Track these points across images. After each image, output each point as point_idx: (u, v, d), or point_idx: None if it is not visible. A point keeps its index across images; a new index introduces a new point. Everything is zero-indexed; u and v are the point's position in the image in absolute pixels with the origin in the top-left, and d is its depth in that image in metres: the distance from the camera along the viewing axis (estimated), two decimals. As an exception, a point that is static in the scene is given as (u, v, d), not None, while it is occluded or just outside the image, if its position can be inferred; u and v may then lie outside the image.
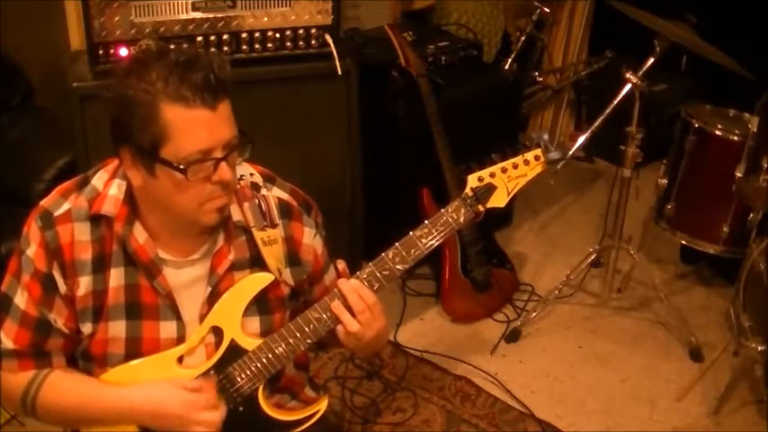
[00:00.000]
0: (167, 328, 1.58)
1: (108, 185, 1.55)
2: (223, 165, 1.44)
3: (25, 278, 1.53)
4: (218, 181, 1.45)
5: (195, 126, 1.40)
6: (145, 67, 1.40)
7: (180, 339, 1.58)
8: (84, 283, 1.53)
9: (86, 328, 1.55)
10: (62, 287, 1.53)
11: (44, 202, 1.56)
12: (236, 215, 1.59)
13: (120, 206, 1.53)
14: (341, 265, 1.69)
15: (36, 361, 1.56)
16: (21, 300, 1.54)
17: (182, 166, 1.41)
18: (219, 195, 1.48)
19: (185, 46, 1.47)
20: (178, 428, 1.55)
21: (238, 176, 1.62)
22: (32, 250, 1.52)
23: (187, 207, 1.48)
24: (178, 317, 1.58)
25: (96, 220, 1.53)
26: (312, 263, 1.68)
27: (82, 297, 1.53)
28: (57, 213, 1.53)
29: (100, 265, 1.53)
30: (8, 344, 1.55)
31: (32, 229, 1.53)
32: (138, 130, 1.41)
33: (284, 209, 1.65)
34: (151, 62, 1.41)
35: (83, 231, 1.53)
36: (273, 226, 1.62)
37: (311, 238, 1.67)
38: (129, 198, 1.54)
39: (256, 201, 1.62)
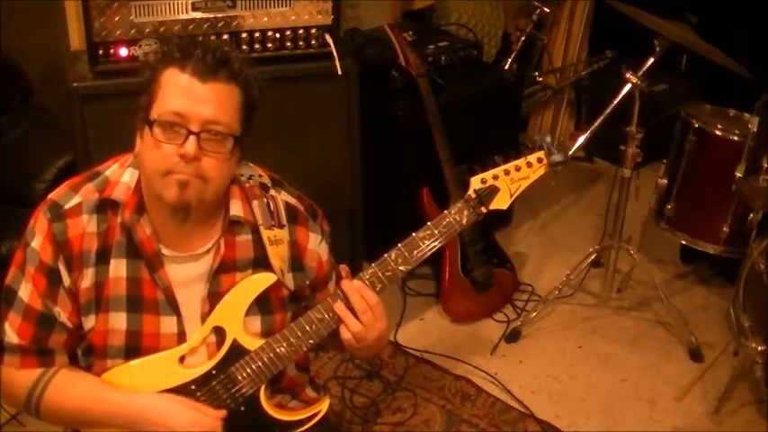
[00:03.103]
0: (167, 324, 1.58)
1: (121, 174, 1.56)
2: (192, 139, 1.44)
3: (30, 270, 1.53)
4: (182, 153, 1.44)
5: (178, 88, 1.44)
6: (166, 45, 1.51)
7: (180, 335, 1.58)
8: (89, 276, 1.54)
9: (89, 321, 1.55)
10: (66, 280, 1.53)
11: (53, 195, 1.56)
12: (234, 210, 1.58)
13: (130, 194, 1.54)
14: (344, 270, 1.69)
15: (39, 359, 1.56)
16: (25, 292, 1.54)
17: (153, 119, 1.45)
18: (182, 171, 1.46)
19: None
20: None
21: (247, 176, 1.63)
22: (38, 242, 1.52)
23: (153, 170, 1.47)
24: (177, 313, 1.58)
25: (103, 210, 1.54)
26: (316, 269, 1.68)
27: (86, 289, 1.54)
28: (67, 206, 1.53)
29: (102, 257, 1.54)
30: (12, 338, 1.55)
31: (40, 221, 1.53)
32: (144, 92, 1.48)
33: (291, 213, 1.65)
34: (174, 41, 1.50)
35: (91, 223, 1.53)
36: (281, 226, 1.62)
37: (316, 244, 1.68)
38: (140, 189, 1.54)
39: (265, 200, 1.62)
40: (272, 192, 1.65)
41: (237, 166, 1.58)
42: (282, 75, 2.62)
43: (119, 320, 1.56)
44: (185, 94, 1.44)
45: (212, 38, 1.52)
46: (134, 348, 1.57)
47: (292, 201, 1.67)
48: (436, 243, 1.59)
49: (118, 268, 1.55)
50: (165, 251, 1.56)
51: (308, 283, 1.68)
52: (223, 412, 1.59)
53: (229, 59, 1.47)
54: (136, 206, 1.53)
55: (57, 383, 1.56)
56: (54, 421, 1.62)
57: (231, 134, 1.48)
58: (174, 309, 1.57)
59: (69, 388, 1.57)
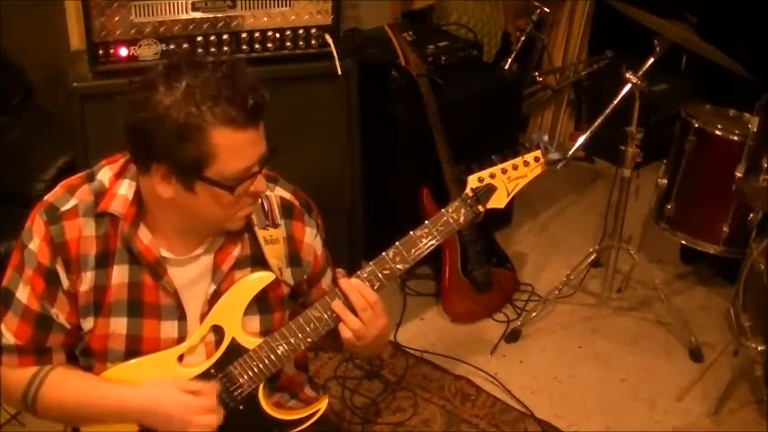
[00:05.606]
0: (168, 328, 1.58)
1: (116, 184, 1.54)
2: (260, 176, 1.48)
3: (28, 272, 1.53)
4: (254, 192, 1.49)
5: (242, 146, 1.42)
6: (185, 85, 1.37)
7: (181, 339, 1.58)
8: (88, 279, 1.53)
9: (87, 323, 1.55)
10: (65, 282, 1.52)
11: (49, 197, 1.55)
12: None
13: (128, 207, 1.53)
14: (340, 274, 1.69)
15: (37, 357, 1.56)
16: (23, 294, 1.53)
17: (229, 185, 1.43)
18: (249, 204, 1.52)
19: (186, 46, 1.48)
20: (176, 429, 1.55)
21: None
22: (35, 244, 1.52)
23: (220, 217, 1.51)
24: (182, 316, 1.57)
25: (101, 216, 1.53)
26: (312, 263, 1.68)
27: (84, 292, 1.53)
28: (64, 208, 1.52)
29: (103, 262, 1.53)
30: (9, 339, 1.54)
31: (36, 223, 1.53)
32: (178, 150, 1.38)
33: (286, 208, 1.65)
34: (188, 77, 1.37)
35: (89, 227, 1.53)
36: (275, 226, 1.62)
37: (312, 238, 1.68)
38: (137, 199, 1.53)
39: (259, 200, 1.62)
40: (267, 190, 1.65)
41: None
42: (282, 75, 2.62)
43: (119, 325, 1.56)
44: (249, 148, 1.43)
45: (229, 69, 1.40)
46: (134, 353, 1.57)
47: (287, 195, 1.67)
48: (434, 242, 1.59)
49: (121, 274, 1.54)
50: (165, 254, 1.56)
51: (305, 277, 1.68)
52: (221, 412, 1.59)
53: (262, 93, 1.41)
54: (133, 218, 1.53)
55: (52, 380, 1.56)
56: (51, 418, 1.62)
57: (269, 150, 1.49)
58: (180, 312, 1.57)
59: (65, 385, 1.57)
